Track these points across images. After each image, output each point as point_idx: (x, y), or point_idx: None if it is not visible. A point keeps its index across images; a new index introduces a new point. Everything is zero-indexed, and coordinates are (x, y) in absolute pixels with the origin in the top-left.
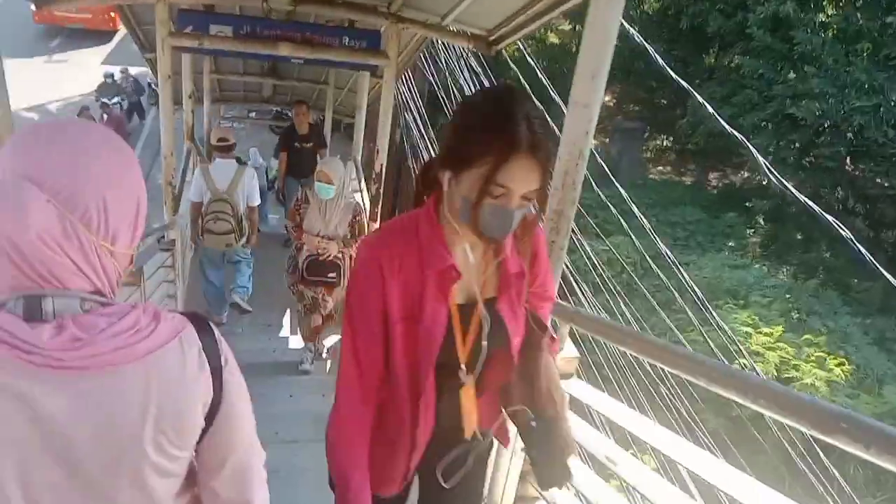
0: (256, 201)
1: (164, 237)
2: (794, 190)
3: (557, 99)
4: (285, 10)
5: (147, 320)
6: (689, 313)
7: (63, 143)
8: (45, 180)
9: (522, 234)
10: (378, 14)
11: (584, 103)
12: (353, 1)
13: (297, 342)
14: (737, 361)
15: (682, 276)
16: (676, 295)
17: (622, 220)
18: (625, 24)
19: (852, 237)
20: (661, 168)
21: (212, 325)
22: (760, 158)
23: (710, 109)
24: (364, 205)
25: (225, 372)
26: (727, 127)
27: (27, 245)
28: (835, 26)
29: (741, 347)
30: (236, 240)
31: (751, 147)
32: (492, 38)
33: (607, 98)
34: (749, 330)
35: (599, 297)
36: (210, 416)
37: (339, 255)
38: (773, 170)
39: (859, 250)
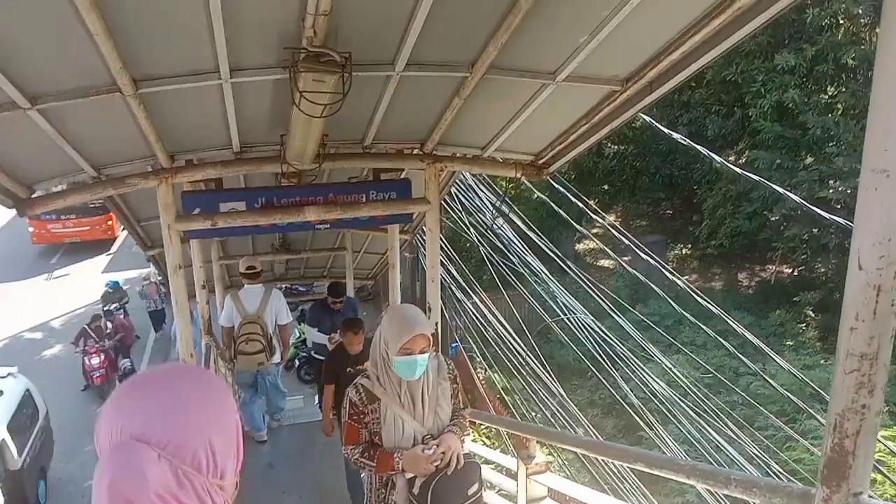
0: (285, 320)
1: None
2: None
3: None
4: (307, 169)
5: None
6: (785, 428)
7: (162, 396)
8: (152, 435)
9: None
10: (412, 158)
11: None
12: (383, 151)
13: None
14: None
15: (770, 384)
16: (762, 409)
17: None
18: (658, 123)
19: None
20: (686, 277)
21: None
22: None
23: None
24: None
25: None
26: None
27: (145, 502)
28: (842, 103)
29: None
30: (267, 358)
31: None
32: (541, 161)
33: (612, 218)
34: None
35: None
36: None
37: (469, 452)
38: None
39: None
